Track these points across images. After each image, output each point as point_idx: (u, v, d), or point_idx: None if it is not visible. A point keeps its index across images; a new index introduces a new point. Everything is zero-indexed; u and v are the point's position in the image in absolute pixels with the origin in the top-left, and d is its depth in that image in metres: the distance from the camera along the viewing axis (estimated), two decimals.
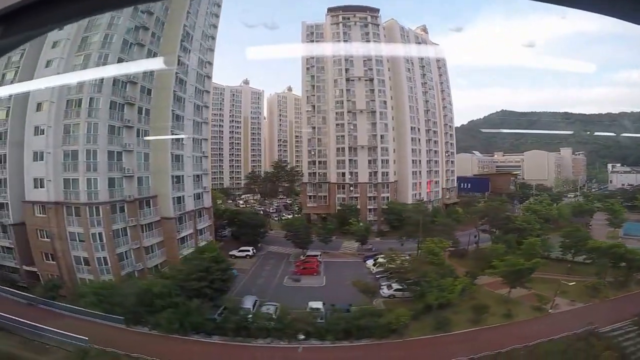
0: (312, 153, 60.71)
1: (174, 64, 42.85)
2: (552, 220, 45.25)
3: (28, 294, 35.64)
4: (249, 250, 50.15)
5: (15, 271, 39.68)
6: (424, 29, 62.06)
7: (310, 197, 61.37)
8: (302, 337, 28.95)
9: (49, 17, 2.22)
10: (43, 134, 36.45)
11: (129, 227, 38.61)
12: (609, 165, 69.91)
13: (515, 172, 68.56)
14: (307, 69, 61.84)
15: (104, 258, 36.48)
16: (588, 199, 56.08)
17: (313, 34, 62.64)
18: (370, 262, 45.14)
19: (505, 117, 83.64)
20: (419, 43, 61.02)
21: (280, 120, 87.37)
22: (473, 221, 45.48)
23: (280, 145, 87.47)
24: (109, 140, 37.00)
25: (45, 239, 36.88)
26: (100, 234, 36.21)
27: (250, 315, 32.63)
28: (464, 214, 48.82)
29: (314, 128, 60.70)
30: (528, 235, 39.48)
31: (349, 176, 57.10)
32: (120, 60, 38.12)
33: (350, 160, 56.88)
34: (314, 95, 60.93)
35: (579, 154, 72.38)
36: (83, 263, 36.49)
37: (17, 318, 29.98)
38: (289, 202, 73.09)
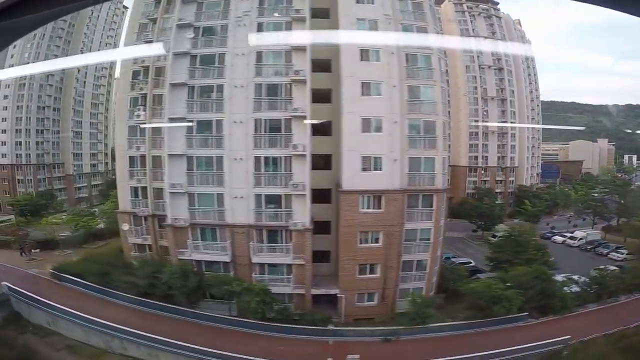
0: None
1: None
2: None
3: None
4: None
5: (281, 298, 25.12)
6: (519, 22, 65.48)
7: None
8: None
9: (37, 14, 2.04)
10: (379, 94, 23.97)
11: None
12: (625, 157, 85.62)
13: (582, 160, 78.21)
14: None
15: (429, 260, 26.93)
16: None
17: None
18: (558, 238, 46.50)
19: None
20: (522, 36, 64.40)
21: None
22: None
23: None
24: None
25: (370, 244, 24.84)
26: (441, 227, 26.56)
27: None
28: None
29: None
30: None
31: (481, 160, 56.59)
32: None
33: (483, 144, 56.34)
34: None
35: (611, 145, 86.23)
36: (415, 268, 26.22)
37: None
38: None
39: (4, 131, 52.48)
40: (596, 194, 54.06)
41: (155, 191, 28.15)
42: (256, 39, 24.64)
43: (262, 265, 25.26)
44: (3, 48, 2.36)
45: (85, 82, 58.67)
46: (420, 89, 24.83)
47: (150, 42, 28.48)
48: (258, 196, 24.60)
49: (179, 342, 20.85)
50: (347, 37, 24.07)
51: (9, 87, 53.01)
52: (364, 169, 24.00)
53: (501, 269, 29.12)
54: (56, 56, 55.01)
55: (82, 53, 57.40)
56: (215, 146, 24.52)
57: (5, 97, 52.87)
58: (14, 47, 53.72)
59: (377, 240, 24.75)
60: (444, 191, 25.68)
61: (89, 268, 27.13)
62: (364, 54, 24.20)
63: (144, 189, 28.59)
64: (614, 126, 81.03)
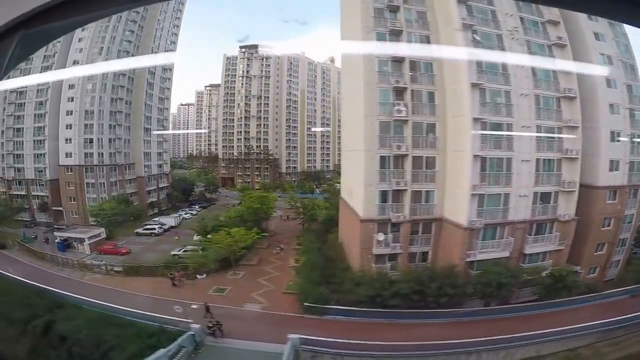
0: None
1: None
2: None
3: None
4: None
5: None
6: None
7: None
8: None
9: (69, 19, 2.13)
10: (619, 113, 28.99)
11: None
12: None
13: None
14: None
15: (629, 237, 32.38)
16: None
17: None
18: None
19: None
20: None
21: None
22: None
23: None
24: None
25: (606, 228, 29.72)
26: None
27: None
28: None
29: None
30: None
31: None
32: None
33: None
34: None
35: None
36: (621, 245, 31.09)
37: None
38: None
39: (69, 126, 42.03)
40: None
41: (413, 194, 27.86)
42: (528, 58, 27.32)
43: (526, 254, 27.70)
44: (34, 52, 2.39)
45: (154, 74, 50.43)
46: (635, 112, 30.80)
47: (400, 31, 28.34)
48: (535, 194, 27.10)
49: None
50: (599, 69, 28.67)
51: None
52: (610, 170, 28.83)
53: None
54: (130, 42, 46.34)
55: (153, 43, 49.38)
56: (507, 148, 26.18)
57: (72, 86, 42.55)
58: (83, 30, 43.53)
59: (609, 225, 29.79)
60: None
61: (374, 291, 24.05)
62: (608, 82, 29.19)
63: (397, 192, 27.92)
64: None
